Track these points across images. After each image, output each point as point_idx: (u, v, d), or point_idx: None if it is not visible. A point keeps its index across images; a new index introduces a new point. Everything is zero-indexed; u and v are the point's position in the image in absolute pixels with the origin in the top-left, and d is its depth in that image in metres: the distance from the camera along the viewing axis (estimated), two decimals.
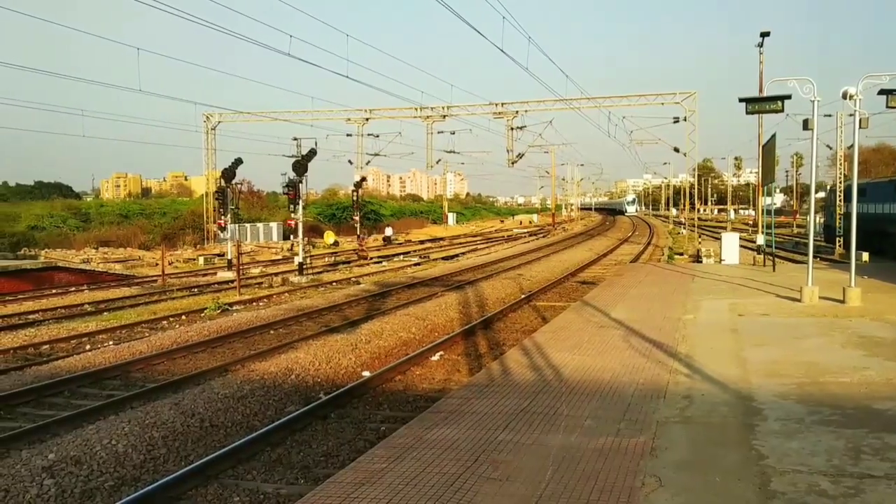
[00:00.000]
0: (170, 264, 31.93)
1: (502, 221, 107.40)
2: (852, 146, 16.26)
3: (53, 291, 24.29)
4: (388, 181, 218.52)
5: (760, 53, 28.78)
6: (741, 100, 14.21)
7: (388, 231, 53.47)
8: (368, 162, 52.17)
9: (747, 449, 5.70)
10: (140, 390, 10.37)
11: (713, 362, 8.80)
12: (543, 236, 60.22)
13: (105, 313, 18.68)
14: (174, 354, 12.83)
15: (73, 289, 24.92)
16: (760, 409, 6.81)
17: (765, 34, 28.36)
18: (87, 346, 14.19)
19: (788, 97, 13.79)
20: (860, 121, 13.83)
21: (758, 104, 14.38)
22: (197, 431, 8.63)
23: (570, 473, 5.27)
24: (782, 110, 13.87)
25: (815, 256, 15.21)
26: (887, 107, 13.63)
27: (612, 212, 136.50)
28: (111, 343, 14.41)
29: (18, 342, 14.27)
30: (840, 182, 31.72)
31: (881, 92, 13.43)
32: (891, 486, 4.89)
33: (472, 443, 6.03)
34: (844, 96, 13.60)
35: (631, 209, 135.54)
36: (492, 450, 5.84)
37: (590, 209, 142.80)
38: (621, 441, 5.95)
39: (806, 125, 14.14)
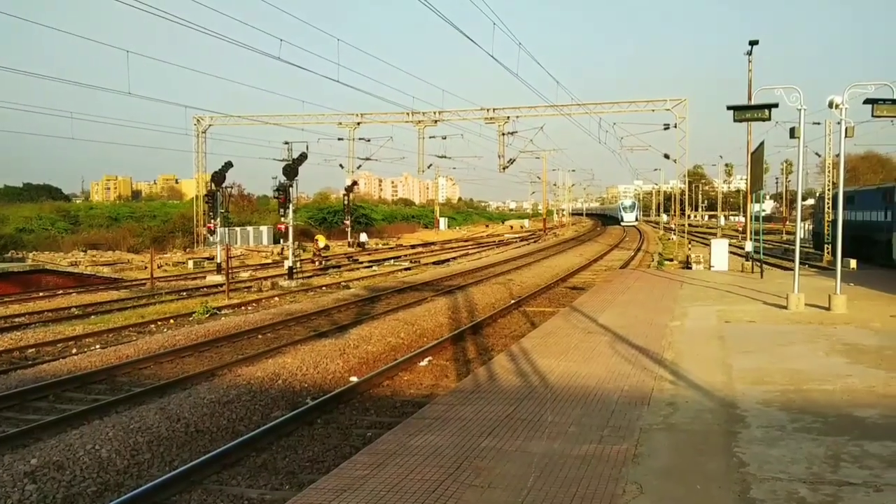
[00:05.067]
0: (159, 268, 31.79)
1: (487, 226, 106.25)
2: (840, 154, 16.36)
3: (40, 294, 24.15)
4: (379, 185, 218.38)
5: (749, 62, 28.95)
6: (729, 108, 14.30)
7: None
8: (360, 166, 52.11)
9: (729, 456, 5.74)
10: (126, 395, 10.32)
11: (698, 369, 8.84)
12: (534, 241, 60.35)
13: (92, 317, 18.60)
14: (161, 358, 12.78)
15: (60, 292, 24.78)
16: (743, 416, 6.85)
17: (753, 42, 28.50)
18: (74, 350, 14.12)
19: (775, 106, 13.91)
20: (846, 130, 13.96)
21: (745, 112, 14.49)
22: (182, 436, 8.60)
23: (552, 480, 5.29)
24: (769, 118, 13.99)
25: (803, 263, 15.34)
26: (873, 116, 13.74)
27: (604, 218, 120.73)
28: (98, 347, 14.34)
29: (3, 345, 14.18)
30: (828, 189, 31.97)
31: (867, 101, 13.53)
32: (869, 493, 4.94)
33: (456, 449, 6.03)
34: (831, 105, 13.71)
35: (629, 217, 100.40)
36: (475, 456, 5.85)
37: (581, 214, 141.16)
38: (604, 448, 5.97)
39: (793, 133, 14.28)
